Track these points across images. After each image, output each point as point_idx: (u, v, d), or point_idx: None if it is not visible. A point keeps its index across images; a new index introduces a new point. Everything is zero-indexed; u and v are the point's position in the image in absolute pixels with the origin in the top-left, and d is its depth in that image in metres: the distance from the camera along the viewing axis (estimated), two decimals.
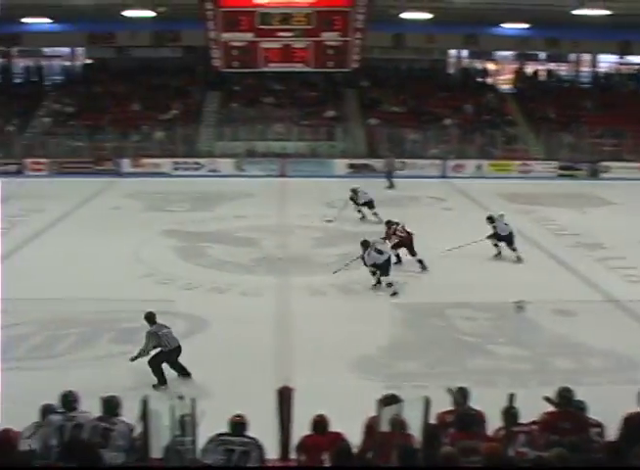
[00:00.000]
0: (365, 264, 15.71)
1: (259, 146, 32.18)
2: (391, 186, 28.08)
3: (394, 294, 15.36)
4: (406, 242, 17.25)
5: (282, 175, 30.41)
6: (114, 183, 28.92)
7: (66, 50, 40.63)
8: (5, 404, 7.50)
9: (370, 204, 21.80)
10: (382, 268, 15.59)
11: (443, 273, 16.86)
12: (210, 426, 6.76)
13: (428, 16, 28.69)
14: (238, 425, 6.83)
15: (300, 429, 7.16)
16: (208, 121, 34.03)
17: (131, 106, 34.40)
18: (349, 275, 16.43)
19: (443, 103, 34.95)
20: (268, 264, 17.52)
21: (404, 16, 28.91)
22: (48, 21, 32.59)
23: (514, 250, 17.96)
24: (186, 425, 6.46)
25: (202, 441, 6.65)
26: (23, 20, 32.10)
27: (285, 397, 7.35)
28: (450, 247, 17.75)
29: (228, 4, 25.72)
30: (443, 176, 30.68)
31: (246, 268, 17.32)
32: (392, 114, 34.24)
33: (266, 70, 28.02)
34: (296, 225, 20.90)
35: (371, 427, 6.83)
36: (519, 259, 17.86)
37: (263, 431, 6.96)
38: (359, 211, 22.04)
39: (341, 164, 31.21)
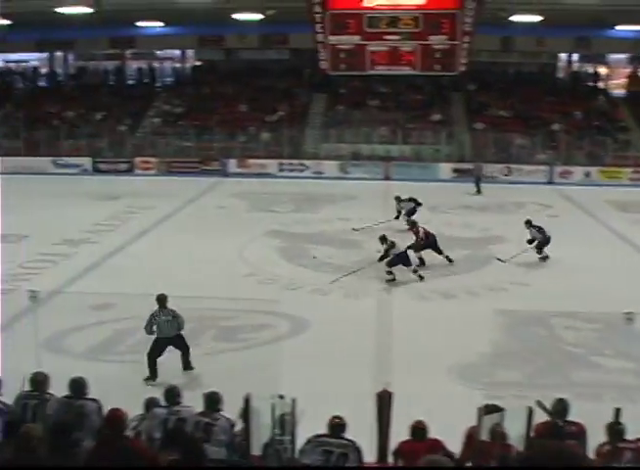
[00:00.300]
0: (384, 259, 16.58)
1: (364, 149, 32.27)
2: (478, 192, 27.76)
3: (391, 278, 16.34)
4: (431, 242, 17.72)
5: (386, 178, 30.41)
6: (221, 183, 29.50)
7: (176, 52, 41.85)
8: (109, 397, 7.69)
9: (411, 213, 21.18)
10: (392, 258, 16.42)
11: (548, 281, 16.53)
12: (309, 426, 6.79)
13: (538, 18, 28.20)
14: (337, 427, 6.79)
15: (398, 433, 7.13)
16: (314, 123, 34.32)
17: (238, 107, 35.03)
18: (452, 280, 16.40)
19: (552, 108, 34.23)
20: (370, 267, 17.49)
21: (514, 18, 28.51)
22: (160, 24, 33.52)
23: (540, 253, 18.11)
24: (286, 424, 6.50)
25: (300, 441, 6.69)
26: (138, 23, 33.15)
27: (384, 400, 7.34)
28: (509, 256, 17.83)
29: (336, 7, 25.84)
30: (550, 182, 30.06)
31: (348, 270, 17.31)
32: (499, 118, 33.78)
33: (372, 73, 28.03)
34: (399, 229, 20.79)
35: (471, 436, 6.74)
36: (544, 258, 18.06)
37: (361, 433, 6.95)
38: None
39: (445, 169, 31.03)
